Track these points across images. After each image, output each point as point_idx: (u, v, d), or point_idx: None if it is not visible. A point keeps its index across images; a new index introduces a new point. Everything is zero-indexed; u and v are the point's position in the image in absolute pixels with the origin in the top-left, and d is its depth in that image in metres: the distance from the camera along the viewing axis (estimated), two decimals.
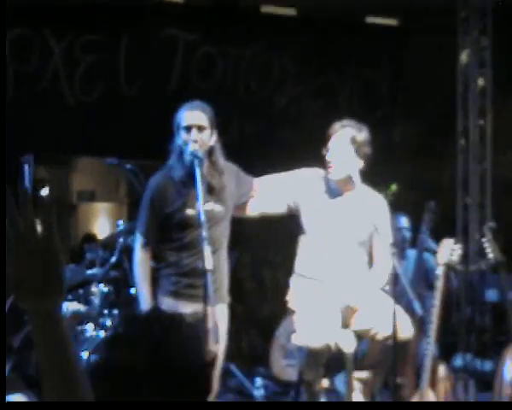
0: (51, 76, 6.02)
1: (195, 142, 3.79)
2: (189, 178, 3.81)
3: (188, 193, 3.84)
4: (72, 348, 1.31)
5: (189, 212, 3.83)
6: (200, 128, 3.83)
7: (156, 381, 1.45)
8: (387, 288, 4.00)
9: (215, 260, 3.63)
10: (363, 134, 4.06)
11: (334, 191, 4.11)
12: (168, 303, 3.85)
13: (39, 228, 1.29)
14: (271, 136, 6.72)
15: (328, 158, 4.05)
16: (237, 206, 4.07)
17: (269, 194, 4.16)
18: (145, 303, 3.84)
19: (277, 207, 4.16)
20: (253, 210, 4.17)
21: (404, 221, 5.41)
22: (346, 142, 4.02)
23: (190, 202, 3.83)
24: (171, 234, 3.88)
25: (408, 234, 5.39)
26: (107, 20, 6.10)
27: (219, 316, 3.71)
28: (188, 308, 3.82)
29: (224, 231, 3.92)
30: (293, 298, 4.11)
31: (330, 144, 4.05)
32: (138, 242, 3.95)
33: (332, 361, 4.04)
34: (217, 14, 6.53)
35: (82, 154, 6.43)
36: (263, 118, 6.84)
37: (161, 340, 1.48)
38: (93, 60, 6.14)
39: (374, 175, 4.13)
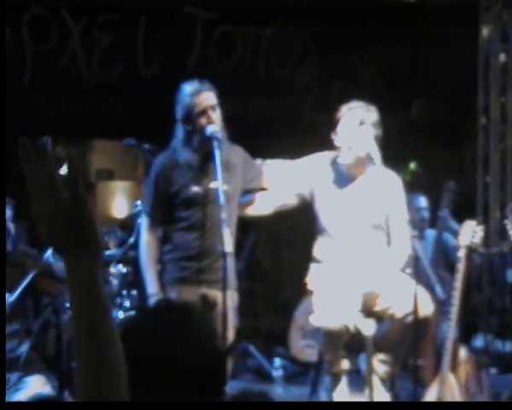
0: (69, 56, 6.00)
1: (211, 123, 3.75)
2: (198, 160, 3.78)
3: (194, 171, 3.81)
4: (109, 313, 1.23)
5: (196, 188, 3.79)
6: (212, 108, 3.79)
7: (171, 375, 1.43)
8: (408, 271, 3.97)
9: None
10: (371, 115, 3.98)
11: (345, 176, 4.05)
12: (177, 290, 3.81)
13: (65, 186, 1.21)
14: (292, 116, 6.66)
15: (336, 143, 3.99)
16: (247, 190, 4.03)
17: (281, 189, 4.11)
18: (152, 287, 3.79)
19: (291, 200, 4.11)
20: (267, 208, 4.13)
21: (423, 201, 5.34)
22: (355, 125, 3.94)
23: (197, 178, 3.80)
24: (177, 213, 3.82)
25: (427, 214, 5.34)
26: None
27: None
28: (198, 293, 3.79)
29: (232, 212, 3.84)
30: (312, 281, 4.09)
31: (338, 128, 3.99)
32: (144, 223, 3.91)
33: (354, 342, 4.02)
34: None
35: (100, 134, 6.41)
36: (283, 98, 6.78)
37: (174, 332, 1.47)
38: (111, 40, 6.10)
39: (393, 154, 4.07)
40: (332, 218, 4.04)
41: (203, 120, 3.76)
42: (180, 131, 3.84)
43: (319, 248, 4.10)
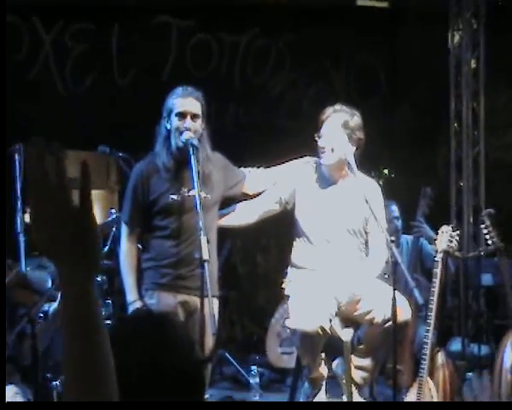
0: (42, 65, 5.95)
1: (188, 130, 3.74)
2: (175, 165, 3.78)
3: (172, 179, 3.80)
4: (103, 330, 1.19)
5: (173, 197, 3.78)
6: (194, 116, 3.77)
7: (150, 383, 1.42)
8: (387, 276, 3.98)
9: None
10: (355, 119, 4.00)
11: (326, 179, 4.07)
12: (157, 296, 3.80)
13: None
14: (268, 123, 6.67)
15: (320, 144, 4.01)
16: (227, 198, 4.02)
17: (264, 196, 4.12)
18: (131, 295, 3.78)
19: (275, 207, 4.11)
20: (250, 217, 4.14)
21: (395, 210, 5.32)
22: (339, 127, 3.97)
23: (174, 187, 3.79)
24: (156, 221, 3.81)
25: (399, 223, 5.32)
26: (96, 7, 6.02)
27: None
28: (177, 300, 3.79)
29: (211, 221, 3.83)
30: (288, 285, 4.08)
31: (322, 130, 4.01)
32: (123, 231, 3.90)
33: (329, 347, 4.01)
34: (208, 1, 6.47)
35: (74, 143, 6.36)
36: (259, 105, 6.79)
37: (153, 341, 1.46)
38: (84, 49, 6.06)
39: (367, 160, 4.10)
40: (310, 221, 4.04)
41: (179, 123, 3.74)
42: (161, 131, 3.81)
43: (296, 252, 4.09)
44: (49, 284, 4.28)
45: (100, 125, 6.06)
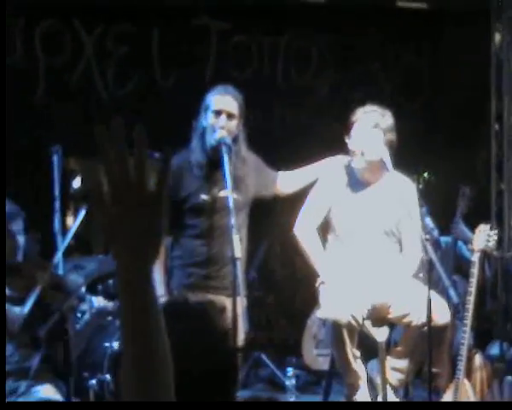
0: (83, 69, 6.00)
1: (223, 128, 3.72)
2: (208, 163, 3.77)
3: (204, 177, 3.79)
4: (161, 319, 1.16)
5: (204, 196, 3.77)
6: (230, 116, 3.76)
7: (183, 374, 1.40)
8: (422, 275, 3.92)
9: None
10: (386, 119, 3.94)
11: (358, 181, 4.01)
12: (184, 296, 3.79)
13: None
14: (315, 125, 6.60)
15: (350, 146, 3.95)
16: (258, 198, 4.00)
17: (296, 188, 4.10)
18: (159, 290, 3.77)
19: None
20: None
21: (430, 221, 5.19)
22: (369, 128, 3.90)
23: (206, 186, 3.78)
24: (185, 220, 3.80)
25: (435, 232, 5.18)
26: (136, 10, 6.06)
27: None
28: (203, 300, 3.76)
29: (242, 221, 3.82)
30: (321, 284, 4.04)
31: (353, 132, 3.95)
32: None
33: (365, 348, 3.96)
34: (245, 3, 6.47)
35: None
36: (305, 107, 6.74)
37: (187, 327, 1.45)
38: (125, 52, 6.09)
39: (408, 162, 4.03)
40: (344, 223, 4.00)
41: (215, 121, 3.73)
42: (198, 127, 3.81)
43: (330, 253, 4.06)
44: (84, 288, 4.31)
45: (142, 126, 6.08)
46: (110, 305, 4.86)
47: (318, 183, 4.06)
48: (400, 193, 3.88)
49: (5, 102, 5.21)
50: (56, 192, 4.95)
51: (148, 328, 1.14)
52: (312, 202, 4.05)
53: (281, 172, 4.08)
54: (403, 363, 4.00)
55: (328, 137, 6.42)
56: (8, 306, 3.63)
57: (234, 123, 3.77)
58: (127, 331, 1.15)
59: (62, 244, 4.50)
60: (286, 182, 4.08)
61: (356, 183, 4.02)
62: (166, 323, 1.45)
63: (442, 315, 3.82)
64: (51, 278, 3.90)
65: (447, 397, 4.04)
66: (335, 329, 3.77)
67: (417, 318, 3.82)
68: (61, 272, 4.38)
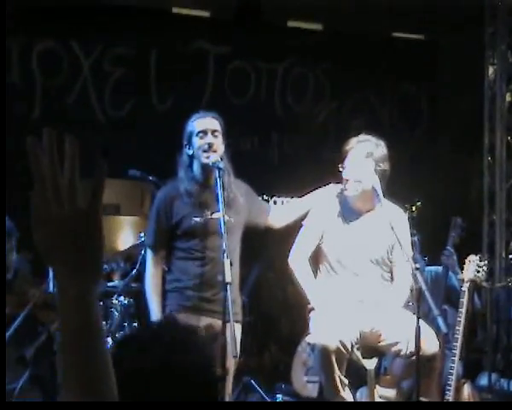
0: (80, 90, 6.02)
1: (211, 146, 3.77)
2: (198, 190, 3.81)
3: (195, 203, 3.83)
4: (102, 343, 1.09)
5: (196, 219, 3.80)
6: (215, 133, 3.83)
7: (162, 388, 1.41)
8: (411, 304, 3.93)
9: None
10: (380, 150, 3.96)
11: (351, 210, 4.03)
12: (181, 318, 3.79)
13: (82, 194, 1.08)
14: (312, 154, 6.62)
15: (344, 175, 3.98)
16: (250, 226, 4.02)
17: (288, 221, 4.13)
18: (156, 317, 3.81)
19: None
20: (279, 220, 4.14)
21: (421, 263, 5.15)
22: (363, 158, 3.94)
23: (197, 210, 3.82)
24: (180, 244, 3.84)
25: (425, 274, 5.15)
26: (134, 33, 6.10)
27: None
28: (201, 323, 3.78)
29: (235, 244, 3.85)
30: (311, 309, 4.05)
31: (346, 161, 3.98)
32: (148, 255, 3.96)
33: (354, 377, 3.95)
34: (243, 28, 6.53)
35: (111, 169, 6.36)
36: (303, 134, 6.77)
37: (172, 348, 1.45)
38: (123, 74, 6.12)
39: (402, 190, 4.05)
40: (335, 250, 4.02)
41: (202, 141, 3.79)
42: (183, 159, 3.87)
43: (320, 281, 4.07)
44: None
45: (137, 149, 6.09)
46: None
47: (311, 212, 4.08)
48: (392, 222, 3.89)
49: (5, 102, 5.21)
50: None
51: (89, 348, 1.08)
52: (306, 233, 4.07)
53: (273, 206, 4.11)
54: (391, 392, 4.00)
55: (324, 163, 6.46)
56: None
57: (219, 140, 3.84)
58: (66, 351, 1.09)
59: None
60: (278, 215, 4.11)
61: (348, 211, 4.04)
62: (150, 337, 1.44)
63: (431, 345, 3.82)
64: (43, 295, 3.90)
65: None
66: (324, 355, 3.75)
67: (406, 347, 3.82)
68: (51, 289, 4.39)
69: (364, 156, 3.93)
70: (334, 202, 4.06)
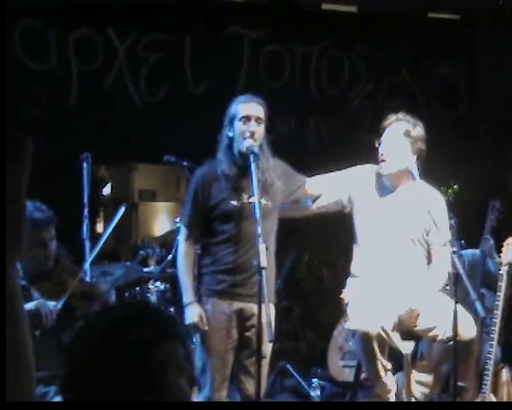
0: (116, 76, 6.05)
1: (252, 135, 3.74)
2: (236, 173, 3.78)
3: (233, 186, 3.80)
4: (21, 321, 1.14)
5: (234, 203, 3.78)
6: (259, 120, 3.78)
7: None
8: (448, 288, 3.88)
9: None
10: (417, 129, 3.93)
11: (386, 187, 3.99)
12: (212, 303, 3.81)
13: None
14: (350, 137, 6.58)
15: (380, 151, 3.95)
16: (289, 204, 4.01)
17: (324, 192, 4.10)
18: (187, 296, 3.80)
19: (332, 205, 4.10)
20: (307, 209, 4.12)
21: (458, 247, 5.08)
22: (400, 135, 3.91)
23: (235, 194, 3.79)
24: (215, 227, 3.81)
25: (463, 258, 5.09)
26: (169, 18, 6.10)
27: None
28: (233, 307, 3.79)
29: (270, 228, 3.82)
30: (347, 293, 4.02)
31: (383, 137, 3.95)
32: (182, 234, 3.93)
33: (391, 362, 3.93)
34: (277, 12, 6.49)
35: (146, 155, 6.38)
36: (339, 117, 6.73)
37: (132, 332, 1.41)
38: (158, 59, 6.13)
39: (439, 172, 3.99)
40: (369, 230, 3.98)
41: (244, 128, 3.75)
42: (223, 139, 3.83)
43: (356, 261, 4.04)
44: (113, 297, 4.34)
45: (173, 135, 6.11)
46: None
47: (343, 178, 4.07)
48: (429, 203, 3.84)
49: (5, 101, 5.23)
50: (85, 199, 5.00)
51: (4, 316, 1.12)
52: (334, 176, 4.08)
53: (309, 178, 4.09)
54: (427, 377, 3.96)
55: (360, 147, 6.42)
56: (42, 300, 3.68)
57: (262, 128, 3.80)
58: None
59: (95, 249, 4.55)
60: (315, 185, 4.08)
61: (383, 190, 4.00)
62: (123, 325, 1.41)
63: (468, 330, 3.78)
64: (81, 284, 3.95)
65: None
66: (365, 341, 3.72)
67: (443, 332, 3.79)
68: (88, 278, 4.43)
69: (402, 134, 3.90)
70: (368, 179, 4.03)
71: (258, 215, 3.47)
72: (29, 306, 3.50)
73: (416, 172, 3.83)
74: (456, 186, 6.75)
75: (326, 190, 4.09)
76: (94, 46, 5.94)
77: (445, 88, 7.02)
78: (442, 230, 3.79)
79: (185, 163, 4.51)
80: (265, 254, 3.36)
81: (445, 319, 3.70)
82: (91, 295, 3.95)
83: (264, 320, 3.32)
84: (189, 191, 3.93)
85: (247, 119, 3.76)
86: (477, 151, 6.86)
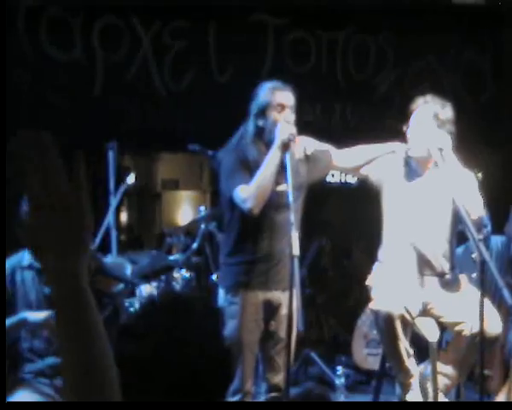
0: (140, 65, 6.05)
1: (289, 123, 3.65)
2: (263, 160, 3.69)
3: None
4: (98, 330, 1.14)
5: None
6: (292, 109, 3.72)
7: (165, 377, 1.39)
8: (474, 276, 3.85)
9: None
10: (446, 111, 3.85)
11: (414, 171, 3.93)
12: (241, 293, 3.74)
13: (68, 183, 1.15)
14: (376, 123, 6.53)
15: (408, 134, 3.90)
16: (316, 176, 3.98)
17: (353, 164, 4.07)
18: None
19: (358, 174, 4.09)
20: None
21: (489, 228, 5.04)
22: (429, 118, 3.83)
23: None
24: (242, 216, 3.69)
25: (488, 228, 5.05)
26: (193, 6, 6.10)
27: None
28: (260, 297, 3.75)
29: (297, 215, 3.74)
30: (373, 278, 3.98)
31: (411, 121, 3.90)
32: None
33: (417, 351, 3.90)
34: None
35: (171, 143, 6.38)
36: (366, 104, 6.68)
37: (174, 327, 1.43)
38: (182, 47, 6.13)
39: (465, 158, 3.93)
40: (397, 214, 3.91)
41: (280, 117, 3.66)
42: (250, 128, 3.74)
43: (384, 247, 3.97)
44: (129, 270, 4.33)
45: (198, 123, 6.10)
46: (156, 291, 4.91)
47: (372, 153, 4.03)
48: (459, 183, 3.71)
49: (5, 101, 5.23)
50: (112, 187, 5.03)
51: (82, 330, 1.13)
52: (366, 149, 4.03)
53: (337, 151, 4.00)
54: (449, 369, 3.88)
55: (387, 132, 6.37)
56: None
57: (294, 117, 3.73)
58: (60, 335, 1.14)
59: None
60: (343, 158, 4.01)
61: (411, 173, 3.93)
62: (147, 324, 1.44)
63: (494, 326, 3.71)
64: (96, 263, 3.96)
65: (500, 399, 3.97)
66: (388, 321, 3.64)
67: (469, 327, 3.73)
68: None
69: (430, 117, 3.83)
70: (400, 164, 3.97)
71: (291, 203, 3.43)
72: None
73: (445, 154, 3.73)
74: (479, 174, 6.70)
75: (356, 164, 4.05)
76: (119, 35, 5.95)
77: (472, 74, 6.96)
78: (473, 208, 3.64)
79: (209, 152, 4.48)
80: (298, 242, 3.31)
81: (472, 315, 3.60)
82: (106, 271, 3.96)
83: (294, 309, 3.31)
84: (229, 163, 3.72)
85: (282, 107, 3.68)
86: (503, 138, 6.80)
